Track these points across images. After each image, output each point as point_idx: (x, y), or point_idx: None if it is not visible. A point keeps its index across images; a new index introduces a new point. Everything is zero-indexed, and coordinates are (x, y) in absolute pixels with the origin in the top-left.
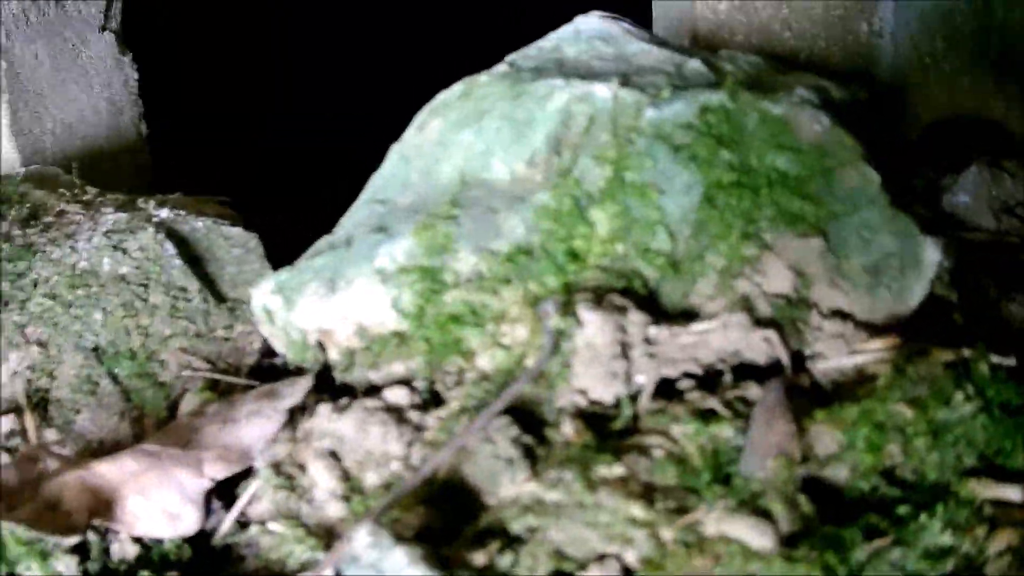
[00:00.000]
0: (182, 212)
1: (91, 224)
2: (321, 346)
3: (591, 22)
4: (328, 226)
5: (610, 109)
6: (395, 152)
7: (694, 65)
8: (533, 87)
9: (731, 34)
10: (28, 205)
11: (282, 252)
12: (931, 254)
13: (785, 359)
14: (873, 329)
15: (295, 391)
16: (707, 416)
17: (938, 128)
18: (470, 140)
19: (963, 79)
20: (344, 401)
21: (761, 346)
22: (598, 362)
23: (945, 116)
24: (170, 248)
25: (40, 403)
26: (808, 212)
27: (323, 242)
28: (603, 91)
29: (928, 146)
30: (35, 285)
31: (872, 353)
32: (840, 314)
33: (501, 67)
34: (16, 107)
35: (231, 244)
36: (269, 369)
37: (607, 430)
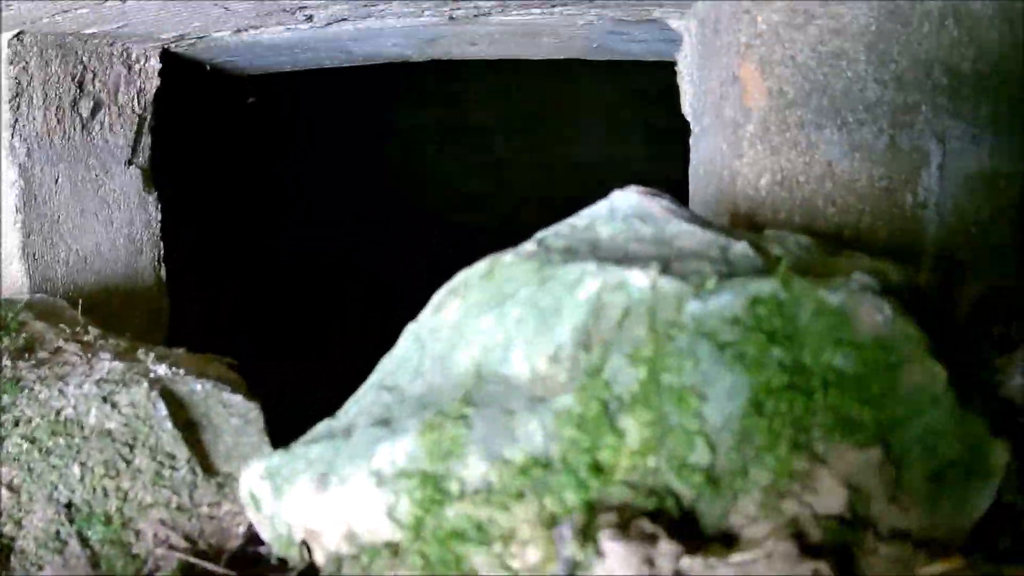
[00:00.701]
0: (182, 371)
1: (85, 368)
2: (307, 545)
3: (629, 199)
4: (336, 391)
5: (648, 300)
6: (410, 333)
7: (741, 249)
8: (562, 271)
9: (773, 212)
10: (25, 336)
11: (285, 413)
12: (999, 457)
13: None
14: (933, 546)
15: None
16: None
17: (988, 301)
18: (490, 327)
19: (1009, 248)
20: None
21: None
22: None
23: (994, 288)
24: (162, 409)
25: (3, 550)
26: (867, 418)
27: (323, 426)
28: (640, 280)
29: (979, 322)
30: (16, 423)
31: None
32: (899, 534)
33: (529, 246)
34: (30, 229)
35: (230, 412)
36: (253, 558)
37: None
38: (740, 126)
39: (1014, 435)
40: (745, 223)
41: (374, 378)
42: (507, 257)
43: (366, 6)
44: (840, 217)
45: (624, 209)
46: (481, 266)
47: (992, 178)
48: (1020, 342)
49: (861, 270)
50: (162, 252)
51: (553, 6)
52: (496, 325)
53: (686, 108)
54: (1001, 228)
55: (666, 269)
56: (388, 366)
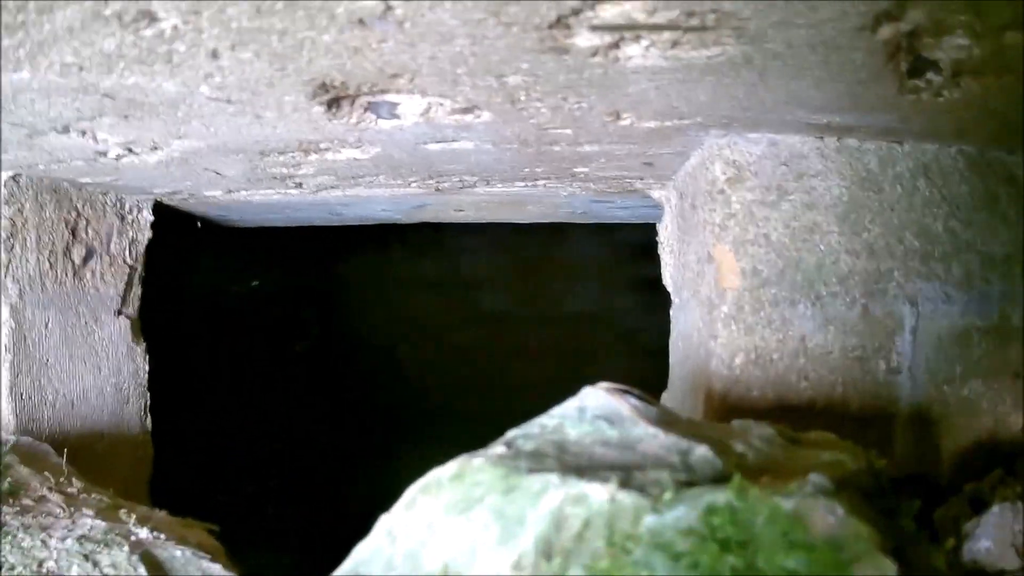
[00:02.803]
0: (162, 535)
1: (68, 523)
2: None
3: (598, 398)
4: None
5: (606, 513)
6: (383, 525)
7: (701, 453)
8: (527, 481)
9: (747, 389)
10: (10, 480)
11: None
12: None
13: None
14: None
15: None
16: None
17: (963, 458)
18: (458, 530)
19: (982, 402)
20: None
21: None
22: None
23: (968, 444)
24: (143, 572)
25: None
26: None
27: None
28: (599, 493)
29: (953, 480)
30: None
31: None
32: None
33: (499, 448)
34: (19, 369)
35: None
36: None
37: None
38: (715, 306)
39: None
40: (719, 400)
41: (347, 566)
42: (477, 460)
43: (354, 178)
44: (813, 390)
45: (593, 409)
46: (452, 467)
47: (965, 335)
48: (990, 502)
49: (819, 467)
50: (148, 402)
51: (536, 181)
52: (464, 529)
53: (667, 279)
54: (975, 383)
55: (627, 481)
56: (361, 554)
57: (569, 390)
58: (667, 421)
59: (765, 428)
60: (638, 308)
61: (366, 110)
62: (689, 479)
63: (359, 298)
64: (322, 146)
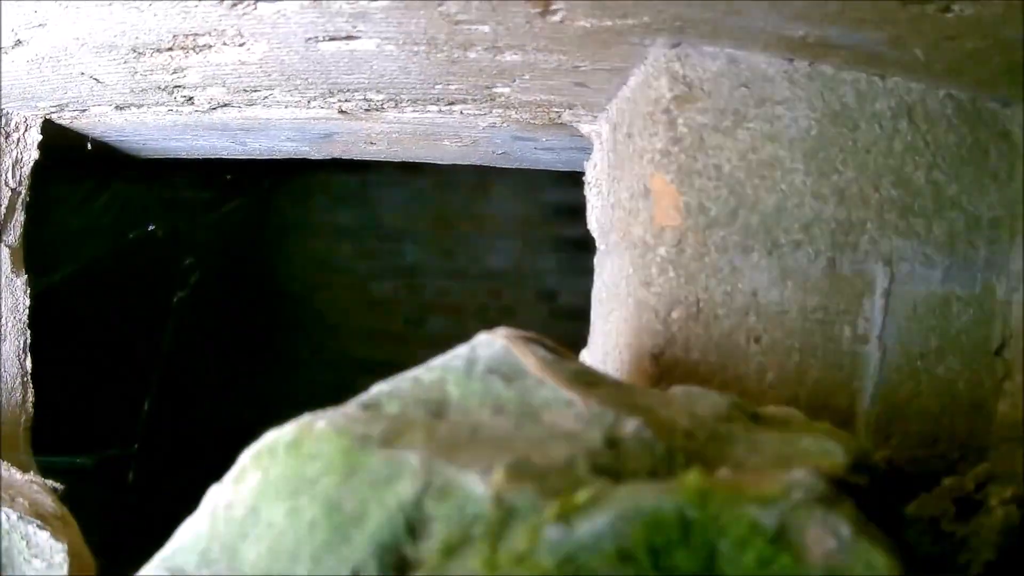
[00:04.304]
0: None
1: None
2: None
3: (493, 347)
4: None
5: (488, 519)
6: (210, 500)
7: (633, 430)
8: (375, 461)
9: (684, 350)
10: None
11: None
12: None
13: None
14: None
15: None
16: None
17: (935, 446)
18: (281, 523)
19: (959, 382)
20: None
21: None
22: None
23: (941, 429)
24: None
25: None
26: None
27: None
28: (478, 487)
29: (922, 470)
30: None
31: None
32: None
33: (352, 408)
34: None
35: (33, 553)
36: None
37: None
38: (650, 248)
39: None
40: (650, 361)
41: (166, 551)
42: (319, 425)
43: (247, 91)
44: (764, 356)
45: (486, 361)
46: (289, 431)
47: (944, 304)
48: (983, 502)
49: (800, 459)
50: (28, 340)
51: (452, 104)
52: (288, 522)
53: (592, 223)
54: (952, 359)
55: (521, 471)
56: (183, 539)
57: None
58: (586, 382)
59: (716, 397)
60: (559, 268)
61: None
62: (614, 468)
63: (277, 244)
64: (200, 40)
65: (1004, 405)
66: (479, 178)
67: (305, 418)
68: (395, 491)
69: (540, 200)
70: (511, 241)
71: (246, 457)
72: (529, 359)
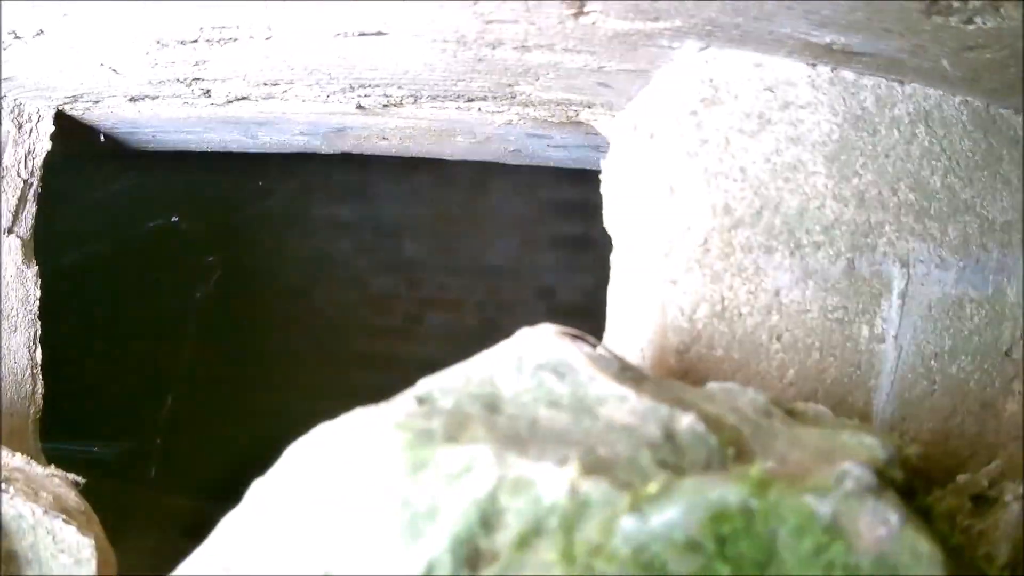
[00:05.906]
0: (11, 489)
1: None
2: None
3: (541, 343)
4: None
5: (563, 511)
6: (254, 495)
7: (688, 424)
8: (444, 455)
9: (709, 347)
10: None
11: None
12: None
13: None
14: None
15: None
16: None
17: (947, 443)
18: (344, 519)
19: (970, 382)
20: None
21: None
22: None
23: (953, 427)
24: None
25: None
26: None
27: None
28: (553, 480)
29: (934, 467)
30: None
31: None
32: None
33: (407, 403)
34: None
35: (59, 548)
36: None
37: None
38: (676, 248)
39: None
40: (676, 358)
41: (205, 548)
42: (376, 419)
43: (267, 84)
44: (786, 354)
45: (534, 356)
46: (343, 426)
47: (958, 305)
48: (997, 498)
49: (841, 450)
50: (39, 332)
51: (471, 101)
52: (352, 518)
53: (609, 221)
54: (964, 360)
55: (593, 467)
56: (226, 533)
57: (489, 340)
58: (631, 378)
59: (756, 395)
60: (557, 265)
61: None
62: (674, 460)
63: (277, 239)
64: (226, 33)
65: (1012, 405)
66: (478, 174)
67: (357, 412)
68: (469, 485)
69: (539, 197)
70: (510, 238)
71: (293, 452)
72: (577, 355)
